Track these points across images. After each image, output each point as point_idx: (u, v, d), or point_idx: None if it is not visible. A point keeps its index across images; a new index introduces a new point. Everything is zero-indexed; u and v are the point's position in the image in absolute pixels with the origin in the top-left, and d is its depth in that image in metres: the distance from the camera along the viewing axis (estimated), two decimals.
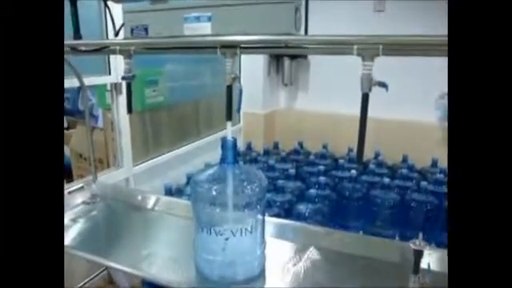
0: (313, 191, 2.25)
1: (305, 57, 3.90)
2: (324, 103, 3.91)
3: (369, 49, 0.80)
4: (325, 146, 3.57)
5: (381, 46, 0.79)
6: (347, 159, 3.13)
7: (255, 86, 3.85)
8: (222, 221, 1.00)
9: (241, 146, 3.85)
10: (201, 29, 0.99)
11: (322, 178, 2.48)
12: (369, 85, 0.83)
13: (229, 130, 1.01)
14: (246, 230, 1.02)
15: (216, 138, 3.41)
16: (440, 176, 2.71)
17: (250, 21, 0.93)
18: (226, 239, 1.00)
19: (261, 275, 1.10)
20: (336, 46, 0.85)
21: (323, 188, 2.50)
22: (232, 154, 1.02)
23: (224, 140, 1.02)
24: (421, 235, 0.95)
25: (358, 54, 0.81)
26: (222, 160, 1.03)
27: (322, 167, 2.78)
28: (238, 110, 1.02)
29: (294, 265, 1.17)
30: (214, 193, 0.99)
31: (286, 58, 3.94)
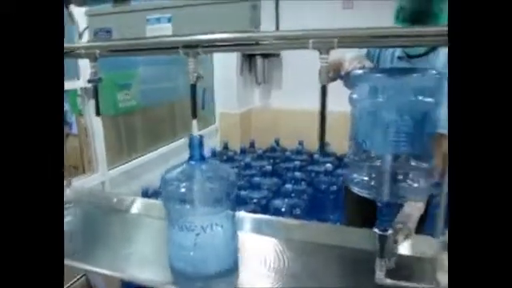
0: (289, 186, 2.29)
1: (277, 55, 3.95)
2: (298, 100, 3.96)
3: (324, 42, 0.83)
4: (300, 143, 3.62)
5: (336, 39, 0.82)
6: (322, 154, 3.18)
7: (229, 85, 3.87)
8: (192, 217, 1.02)
9: (218, 145, 3.87)
10: (162, 30, 1.01)
11: (297, 174, 2.52)
12: (326, 77, 0.86)
13: (194, 128, 1.03)
14: (216, 225, 1.03)
15: (187, 140, 3.40)
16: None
17: (210, 20, 0.95)
18: (197, 235, 1.01)
19: (234, 269, 1.11)
20: (293, 41, 0.87)
21: (299, 183, 2.55)
22: (199, 150, 1.04)
23: (190, 137, 1.03)
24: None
25: (314, 48, 0.84)
26: (190, 157, 1.05)
27: (297, 163, 2.83)
28: (203, 107, 1.04)
29: (270, 258, 1.19)
30: (183, 190, 1.01)
31: (258, 57, 3.98)
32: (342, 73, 1.14)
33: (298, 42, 0.86)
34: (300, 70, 3.88)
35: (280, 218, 1.49)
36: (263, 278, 1.09)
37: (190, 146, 1.04)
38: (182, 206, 1.02)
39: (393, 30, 0.78)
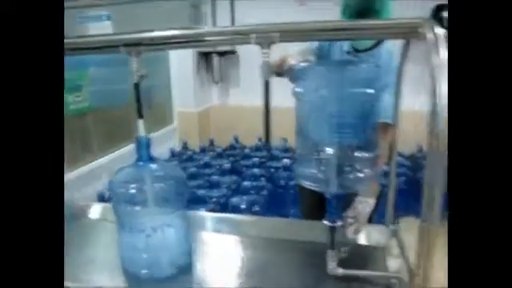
0: (247, 183, 2.29)
1: (233, 52, 3.93)
2: (256, 97, 3.96)
3: (266, 37, 0.83)
4: (260, 139, 3.63)
5: (277, 34, 0.82)
6: (281, 149, 3.21)
7: (186, 85, 3.84)
8: (142, 218, 1.00)
9: (177, 145, 3.82)
10: (103, 28, 0.98)
11: (256, 170, 2.53)
12: (268, 72, 0.86)
13: (141, 128, 1.00)
14: (167, 225, 1.02)
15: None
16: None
17: (152, 18, 0.93)
18: (148, 236, 1.00)
19: (188, 268, 1.10)
20: (236, 37, 0.87)
21: (258, 179, 2.55)
22: (146, 151, 1.02)
23: (137, 138, 1.01)
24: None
25: (256, 43, 0.84)
26: (138, 158, 1.02)
27: (256, 159, 2.83)
28: (148, 106, 1.02)
29: (226, 256, 1.19)
30: (131, 192, 0.99)
31: (214, 55, 3.96)
32: (285, 67, 1.16)
33: (239, 37, 0.86)
34: (256, 67, 3.87)
35: (236, 216, 1.49)
36: (220, 277, 1.08)
37: (137, 146, 1.02)
38: (132, 207, 1.00)
39: (331, 23, 0.79)
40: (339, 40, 1.55)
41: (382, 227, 1.24)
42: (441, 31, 0.71)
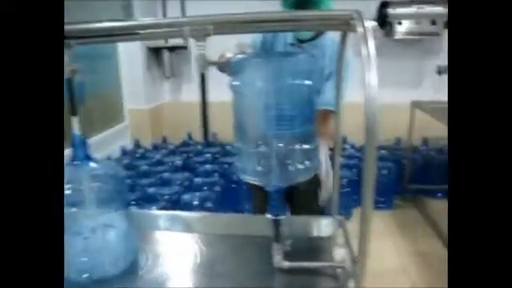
0: (198, 180, 2.26)
1: (184, 47, 3.86)
2: (209, 92, 3.92)
3: (200, 29, 0.81)
4: (213, 135, 3.61)
5: (211, 26, 0.81)
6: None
7: (136, 81, 3.74)
8: (80, 220, 0.96)
9: (130, 143, 3.73)
10: None
11: (208, 166, 2.50)
12: (203, 64, 0.84)
13: (75, 126, 0.96)
14: (107, 225, 0.98)
15: (96, 140, 3.22)
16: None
17: (82, 10, 0.89)
18: (86, 238, 0.96)
19: (133, 269, 1.07)
20: (169, 30, 0.84)
21: (211, 175, 2.53)
22: (82, 150, 0.97)
23: (72, 137, 0.97)
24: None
25: (191, 36, 0.82)
26: (73, 158, 0.98)
27: (208, 155, 2.81)
28: (81, 102, 0.97)
29: (173, 254, 1.17)
30: (67, 192, 0.94)
31: (164, 51, 3.88)
32: (222, 60, 1.14)
33: (172, 30, 0.83)
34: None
35: (184, 213, 1.47)
36: (166, 276, 1.06)
37: (73, 145, 0.98)
38: (68, 209, 0.96)
39: (264, 15, 0.79)
40: (273, 31, 1.58)
41: (329, 218, 1.26)
42: (370, 23, 0.73)
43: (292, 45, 1.67)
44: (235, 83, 0.90)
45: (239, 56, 0.96)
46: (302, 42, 1.66)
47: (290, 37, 1.66)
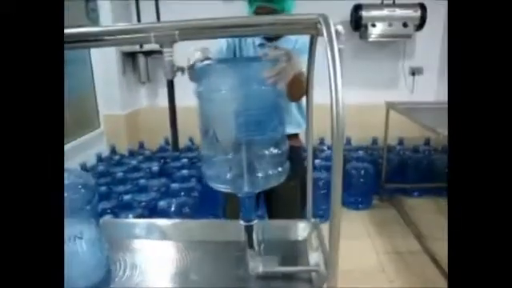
0: (175, 185, 2.24)
1: (159, 52, 3.82)
2: (186, 97, 3.88)
3: (165, 35, 0.80)
4: (191, 139, 3.58)
5: (177, 32, 0.80)
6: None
7: (111, 86, 3.68)
8: None
9: (106, 150, 3.67)
10: None
11: (184, 171, 2.48)
12: (171, 71, 0.83)
13: None
14: (77, 237, 0.96)
15: (71, 147, 3.16)
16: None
17: None
18: None
19: (107, 280, 1.05)
20: (135, 36, 0.83)
21: (188, 180, 2.51)
22: None
23: None
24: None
25: (157, 42, 0.81)
26: None
27: (185, 160, 2.78)
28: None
29: (147, 262, 1.15)
30: None
31: (140, 55, 3.84)
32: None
33: (139, 35, 0.82)
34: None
35: (159, 220, 1.44)
36: (140, 285, 1.04)
37: None
38: None
39: (230, 20, 0.78)
40: (240, 36, 1.58)
41: (303, 221, 1.26)
42: (336, 27, 0.73)
43: (261, 45, 1.68)
44: (199, 89, 0.89)
45: (202, 62, 0.95)
46: (270, 40, 1.67)
47: (257, 39, 1.67)
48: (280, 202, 1.78)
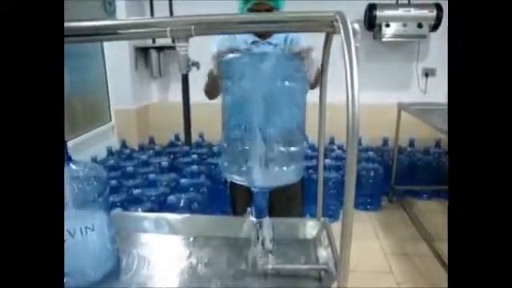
0: (185, 181, 2.24)
1: (172, 48, 3.84)
2: (197, 93, 3.89)
3: (181, 30, 0.80)
4: (201, 136, 3.59)
5: (192, 27, 0.80)
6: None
7: (123, 81, 3.71)
8: None
9: (116, 144, 3.69)
10: None
11: (194, 167, 2.49)
12: (186, 66, 0.83)
13: None
14: (87, 228, 0.97)
15: (82, 140, 3.19)
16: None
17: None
18: (64, 241, 0.94)
19: (117, 272, 1.06)
20: (150, 30, 0.83)
21: (197, 176, 2.51)
22: None
23: None
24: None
25: (172, 36, 0.81)
26: None
27: (195, 156, 2.79)
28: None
29: (157, 257, 1.15)
30: None
31: (152, 51, 3.86)
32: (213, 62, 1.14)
33: (155, 30, 0.82)
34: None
35: (169, 215, 1.45)
36: (149, 279, 1.05)
37: None
38: None
39: (246, 16, 0.78)
40: (255, 32, 1.57)
41: (313, 220, 1.26)
42: (353, 25, 0.72)
43: (254, 43, 1.67)
44: (224, 82, 0.89)
45: (228, 56, 0.95)
46: (262, 37, 1.66)
47: (248, 36, 1.66)
48: (281, 200, 1.77)
